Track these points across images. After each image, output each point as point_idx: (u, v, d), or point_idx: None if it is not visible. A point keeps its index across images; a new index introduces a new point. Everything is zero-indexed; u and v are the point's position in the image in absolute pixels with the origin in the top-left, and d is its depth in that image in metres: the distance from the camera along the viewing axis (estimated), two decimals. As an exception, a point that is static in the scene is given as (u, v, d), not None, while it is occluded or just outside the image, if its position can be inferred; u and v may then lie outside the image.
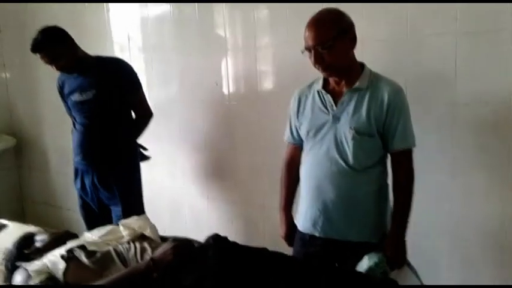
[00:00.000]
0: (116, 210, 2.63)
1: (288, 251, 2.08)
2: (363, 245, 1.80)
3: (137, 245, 1.74)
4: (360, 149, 1.75)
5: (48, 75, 3.71)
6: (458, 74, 2.08)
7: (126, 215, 2.51)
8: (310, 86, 1.93)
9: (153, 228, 1.87)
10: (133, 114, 2.69)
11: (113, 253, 1.70)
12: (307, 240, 1.92)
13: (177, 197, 3.24)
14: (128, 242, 1.78)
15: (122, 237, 1.83)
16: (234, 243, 1.68)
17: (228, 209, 3.02)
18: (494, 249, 2.14)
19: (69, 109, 2.70)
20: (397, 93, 1.75)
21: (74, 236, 1.98)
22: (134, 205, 2.65)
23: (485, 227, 2.15)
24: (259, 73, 2.71)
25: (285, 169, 2.05)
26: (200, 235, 3.08)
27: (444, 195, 2.21)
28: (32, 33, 2.42)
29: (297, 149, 2.00)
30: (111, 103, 2.54)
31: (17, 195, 4.27)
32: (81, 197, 2.72)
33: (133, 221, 1.90)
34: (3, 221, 2.47)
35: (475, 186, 2.14)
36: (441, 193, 2.21)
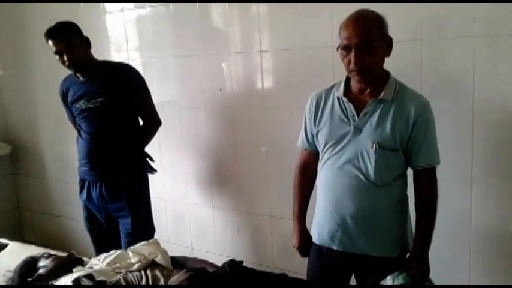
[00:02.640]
0: (124, 222, 2.52)
1: (300, 261, 2.00)
2: (383, 260, 1.73)
3: (148, 273, 1.64)
4: (383, 164, 1.65)
5: (44, 79, 3.62)
6: (476, 79, 1.99)
7: (135, 227, 2.48)
8: (329, 90, 1.80)
9: (165, 254, 1.77)
10: (140, 121, 2.61)
11: (123, 283, 1.60)
12: (325, 252, 1.82)
13: (180, 206, 3.13)
14: (139, 270, 1.67)
15: (132, 264, 1.72)
16: (252, 270, 1.58)
17: (233, 218, 2.93)
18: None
19: (72, 117, 2.58)
20: (425, 108, 1.65)
21: (79, 261, 1.88)
22: (144, 218, 2.56)
23: (505, 237, 2.08)
24: (264, 77, 2.60)
25: (299, 176, 1.93)
26: (205, 245, 3.05)
27: (464, 205, 2.13)
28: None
29: (311, 155, 1.88)
30: (119, 110, 2.44)
31: (13, 204, 4.13)
32: (86, 209, 2.61)
33: (143, 247, 1.79)
34: (3, 240, 2.36)
35: (494, 194, 2.07)
36: (461, 202, 2.13)
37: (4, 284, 1.82)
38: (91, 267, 1.76)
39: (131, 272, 1.67)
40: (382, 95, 1.65)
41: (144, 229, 2.53)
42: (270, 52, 2.56)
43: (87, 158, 2.49)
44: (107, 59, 2.68)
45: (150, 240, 1.84)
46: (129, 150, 2.52)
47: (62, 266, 1.81)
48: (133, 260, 1.73)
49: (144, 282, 1.60)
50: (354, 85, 1.71)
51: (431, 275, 1.79)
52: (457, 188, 2.12)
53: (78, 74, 2.48)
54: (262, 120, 2.65)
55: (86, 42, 2.43)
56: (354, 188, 1.68)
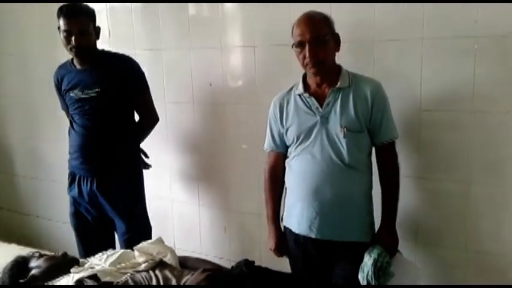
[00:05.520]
0: (119, 221, 2.42)
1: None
2: (358, 245, 1.83)
3: (158, 273, 1.54)
4: (353, 146, 1.79)
5: (13, 70, 3.41)
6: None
7: (131, 226, 2.41)
8: (288, 91, 1.95)
9: (173, 253, 1.68)
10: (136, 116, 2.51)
11: (131, 284, 1.49)
12: (301, 242, 1.91)
13: (163, 203, 3.02)
14: (146, 270, 1.57)
15: (138, 264, 1.62)
16: (267, 269, 1.53)
17: (221, 216, 2.85)
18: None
19: (66, 106, 2.45)
20: (378, 88, 1.82)
21: (74, 260, 1.75)
22: (139, 216, 2.47)
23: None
24: (257, 73, 2.53)
25: (270, 179, 2.05)
26: (190, 244, 2.95)
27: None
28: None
29: (279, 157, 2.00)
30: (115, 103, 2.33)
31: (-24, 201, 3.89)
32: (74, 205, 2.47)
33: (149, 246, 1.68)
34: (-21, 239, 2.20)
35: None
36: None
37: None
38: (92, 267, 1.64)
39: (138, 272, 1.57)
40: (339, 84, 1.80)
41: (141, 227, 2.47)
42: (263, 47, 2.50)
43: (79, 151, 2.36)
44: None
45: (155, 239, 1.73)
46: (124, 146, 2.41)
47: (58, 266, 1.68)
48: (140, 259, 1.63)
49: (154, 283, 1.50)
50: (311, 81, 1.86)
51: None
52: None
53: (75, 62, 2.35)
54: (253, 117, 2.58)
55: (97, 32, 2.33)
56: (331, 173, 1.79)
